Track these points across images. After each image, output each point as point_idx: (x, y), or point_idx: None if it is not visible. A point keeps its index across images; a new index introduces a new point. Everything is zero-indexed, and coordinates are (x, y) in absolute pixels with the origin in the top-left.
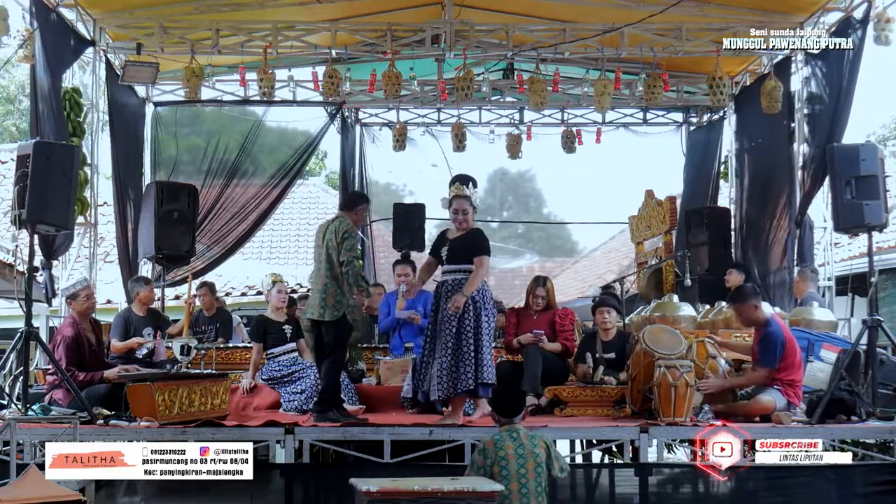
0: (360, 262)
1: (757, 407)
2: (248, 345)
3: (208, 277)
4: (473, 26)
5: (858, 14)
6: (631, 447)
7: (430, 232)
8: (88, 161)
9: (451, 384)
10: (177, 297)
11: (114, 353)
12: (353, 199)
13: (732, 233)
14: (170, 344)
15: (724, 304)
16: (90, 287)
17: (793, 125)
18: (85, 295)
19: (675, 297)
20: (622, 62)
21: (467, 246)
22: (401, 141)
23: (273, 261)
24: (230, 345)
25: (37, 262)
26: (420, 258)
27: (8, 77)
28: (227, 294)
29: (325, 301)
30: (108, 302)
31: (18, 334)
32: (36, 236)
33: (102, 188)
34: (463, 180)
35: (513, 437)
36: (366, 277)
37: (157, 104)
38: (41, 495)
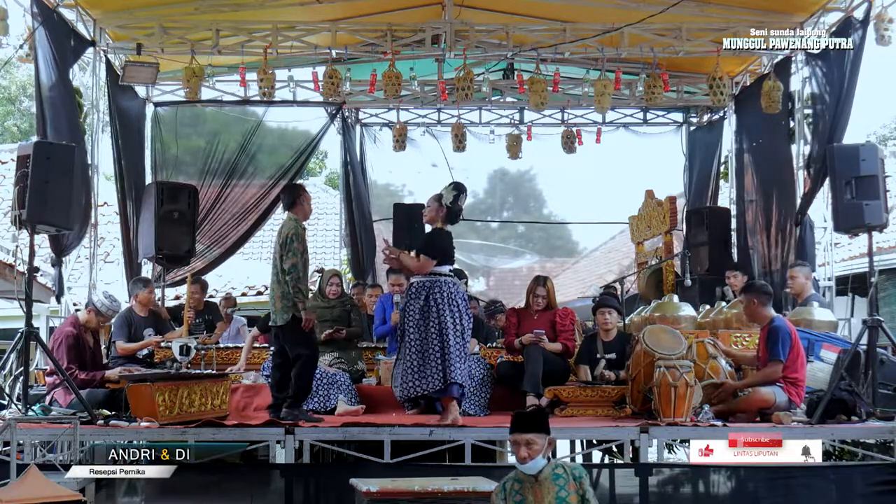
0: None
1: (756, 399)
2: None
3: (208, 277)
4: (473, 26)
5: (859, 14)
6: (631, 447)
7: None
8: (89, 161)
9: (415, 384)
10: (177, 298)
11: (118, 354)
12: (291, 193)
13: (732, 233)
14: (169, 345)
15: (724, 304)
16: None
17: (793, 125)
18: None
19: (675, 297)
20: (622, 62)
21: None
22: (401, 141)
23: None
24: (230, 345)
25: (38, 262)
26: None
27: (9, 77)
28: (227, 294)
29: (274, 305)
30: None
31: (18, 334)
32: (46, 235)
33: (102, 188)
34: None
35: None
36: (304, 290)
37: (157, 104)
38: (41, 495)
